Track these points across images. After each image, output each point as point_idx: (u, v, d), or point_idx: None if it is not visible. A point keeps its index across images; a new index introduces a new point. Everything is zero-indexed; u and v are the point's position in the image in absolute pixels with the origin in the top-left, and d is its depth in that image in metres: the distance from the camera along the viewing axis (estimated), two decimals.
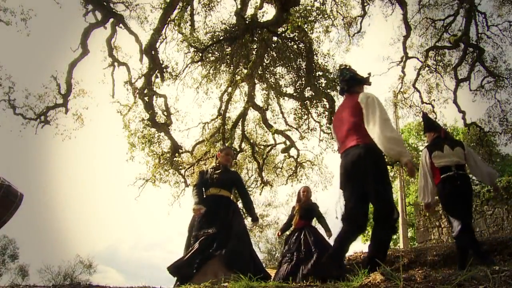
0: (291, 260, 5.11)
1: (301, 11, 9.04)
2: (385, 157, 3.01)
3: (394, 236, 21.95)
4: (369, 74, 3.24)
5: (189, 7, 10.06)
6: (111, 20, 9.69)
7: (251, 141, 12.78)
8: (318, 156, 13.17)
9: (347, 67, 3.36)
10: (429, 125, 4.65)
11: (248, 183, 15.13)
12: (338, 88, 3.28)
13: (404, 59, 11.61)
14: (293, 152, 12.93)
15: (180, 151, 11.48)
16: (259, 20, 9.19)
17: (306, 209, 5.68)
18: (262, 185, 13.76)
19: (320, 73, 10.47)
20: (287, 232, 5.90)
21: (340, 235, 2.84)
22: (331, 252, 2.87)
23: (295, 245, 5.27)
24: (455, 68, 11.18)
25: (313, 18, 9.12)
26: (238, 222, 4.08)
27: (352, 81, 3.16)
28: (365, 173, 2.72)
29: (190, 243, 3.85)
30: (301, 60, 10.42)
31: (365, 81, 3.23)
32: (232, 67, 10.42)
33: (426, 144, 4.53)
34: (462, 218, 3.89)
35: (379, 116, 2.73)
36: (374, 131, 2.70)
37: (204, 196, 4.19)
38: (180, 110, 11.16)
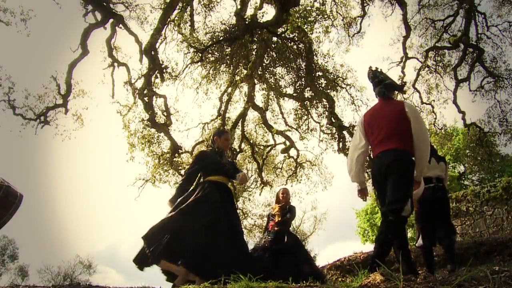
0: (269, 259, 4.98)
1: (300, 12, 9.04)
2: None
3: None
4: (405, 83, 3.46)
5: (189, 8, 10.07)
6: (111, 20, 9.70)
7: (251, 141, 12.78)
8: (318, 156, 13.19)
9: (380, 70, 3.53)
10: None
11: (248, 183, 15.13)
12: (377, 90, 3.40)
13: (404, 60, 11.60)
14: (293, 152, 12.94)
15: (180, 151, 11.47)
16: (259, 21, 9.20)
17: (287, 211, 5.67)
18: (262, 185, 13.76)
19: (320, 74, 10.48)
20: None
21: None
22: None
23: (278, 246, 5.22)
24: (454, 68, 11.19)
25: (313, 19, 9.12)
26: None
27: (390, 87, 3.40)
28: (395, 173, 2.95)
29: (177, 208, 3.49)
30: (301, 60, 10.43)
31: (401, 88, 3.45)
32: (232, 68, 10.42)
33: None
34: (441, 225, 4.27)
35: (427, 135, 3.16)
36: (425, 145, 3.06)
37: (203, 180, 3.85)
38: (180, 110, 11.20)
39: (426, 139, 3.06)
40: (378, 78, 3.41)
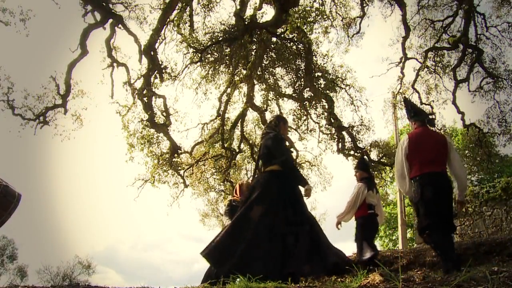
0: None
1: (300, 12, 9.03)
2: None
3: (393, 237, 22.04)
4: (433, 114, 4.19)
5: (188, 8, 10.06)
6: (110, 20, 9.68)
7: (250, 141, 12.77)
8: (317, 157, 13.19)
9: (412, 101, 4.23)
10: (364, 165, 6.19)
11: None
12: (421, 119, 4.04)
13: (403, 60, 11.58)
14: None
15: (179, 151, 11.46)
16: (258, 21, 9.19)
17: None
18: None
19: (319, 74, 10.48)
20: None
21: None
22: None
23: None
24: (454, 69, 11.17)
25: (312, 19, 9.12)
26: None
27: (432, 120, 4.22)
28: (447, 194, 3.68)
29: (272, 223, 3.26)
30: (300, 61, 10.42)
31: (432, 122, 4.31)
32: (231, 68, 10.41)
33: None
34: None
35: (461, 160, 3.96)
36: (462, 170, 3.86)
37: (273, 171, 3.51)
38: (179, 110, 11.15)
39: (460, 167, 3.83)
40: (417, 108, 4.24)
